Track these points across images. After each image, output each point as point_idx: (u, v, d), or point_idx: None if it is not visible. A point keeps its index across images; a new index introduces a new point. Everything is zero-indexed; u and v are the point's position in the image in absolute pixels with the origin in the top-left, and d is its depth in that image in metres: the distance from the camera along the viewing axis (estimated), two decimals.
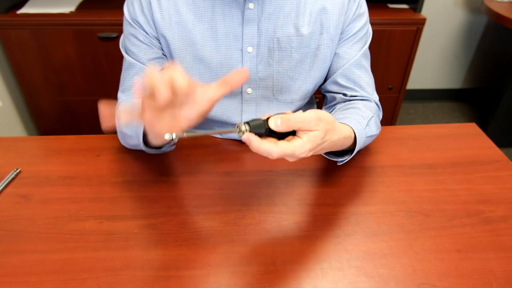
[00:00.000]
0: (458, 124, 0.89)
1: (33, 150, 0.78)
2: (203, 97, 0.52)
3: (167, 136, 0.43)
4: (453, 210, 0.65)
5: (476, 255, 0.57)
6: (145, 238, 0.59)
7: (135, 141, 0.67)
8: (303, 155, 0.50)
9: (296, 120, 0.48)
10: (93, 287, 0.52)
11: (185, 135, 0.45)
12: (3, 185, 0.68)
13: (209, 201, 0.66)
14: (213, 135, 0.84)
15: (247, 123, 0.48)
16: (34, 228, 0.61)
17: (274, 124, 0.48)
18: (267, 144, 0.48)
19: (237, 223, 0.62)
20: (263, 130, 0.49)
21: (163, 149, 0.71)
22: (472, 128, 0.87)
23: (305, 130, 0.50)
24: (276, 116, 0.49)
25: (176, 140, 0.70)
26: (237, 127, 0.48)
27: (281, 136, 0.51)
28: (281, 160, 0.75)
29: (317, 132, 0.50)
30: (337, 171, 0.73)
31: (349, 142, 0.62)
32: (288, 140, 0.50)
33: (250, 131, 0.48)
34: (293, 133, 0.52)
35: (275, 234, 0.60)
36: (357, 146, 0.65)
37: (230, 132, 0.49)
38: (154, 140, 0.63)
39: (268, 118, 0.49)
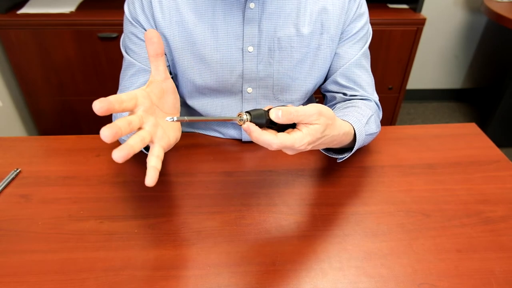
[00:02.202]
0: (458, 124, 0.89)
1: (33, 150, 0.78)
2: (157, 88, 0.52)
3: (168, 119, 0.44)
4: (453, 210, 0.65)
5: (476, 255, 0.57)
6: (145, 238, 0.59)
7: None
8: (302, 148, 0.51)
9: (297, 113, 0.49)
10: (93, 287, 0.52)
11: (186, 118, 0.45)
12: (3, 185, 0.68)
13: (209, 201, 0.66)
14: (213, 134, 0.84)
15: (248, 112, 0.48)
16: (34, 228, 0.61)
17: (275, 116, 0.48)
18: (267, 135, 0.48)
19: (237, 223, 0.62)
20: (264, 120, 0.49)
21: None
22: (472, 128, 0.87)
23: (305, 123, 0.50)
24: (277, 107, 0.49)
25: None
26: (238, 115, 0.48)
27: (280, 129, 0.51)
28: (281, 160, 0.76)
29: (317, 126, 0.50)
30: (337, 171, 0.73)
31: (348, 139, 0.63)
32: (287, 133, 0.50)
33: (251, 120, 0.48)
34: (292, 126, 0.52)
35: (275, 234, 0.60)
36: (356, 143, 0.65)
37: (231, 120, 0.49)
38: None
39: (269, 110, 0.49)
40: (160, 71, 0.52)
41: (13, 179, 0.70)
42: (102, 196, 0.67)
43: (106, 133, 0.39)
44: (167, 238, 0.59)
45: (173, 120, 0.44)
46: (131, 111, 0.46)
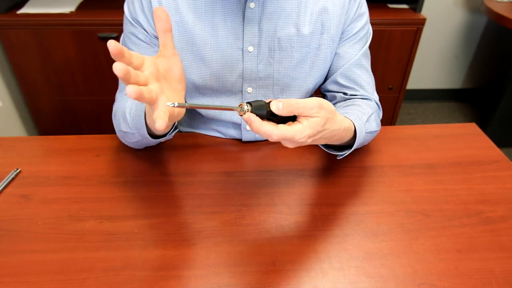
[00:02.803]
0: (458, 124, 0.89)
1: (33, 150, 0.78)
2: (164, 60, 0.53)
3: (169, 104, 0.44)
4: (453, 210, 0.65)
5: (476, 255, 0.57)
6: (145, 238, 0.59)
7: (137, 137, 0.68)
8: (302, 140, 0.51)
9: (298, 105, 0.49)
10: (93, 287, 0.52)
11: (186, 104, 0.46)
12: (3, 185, 0.68)
13: (209, 201, 0.66)
14: (213, 134, 0.84)
15: (249, 103, 0.48)
16: (34, 228, 0.61)
17: (276, 107, 0.49)
18: (268, 125, 0.48)
19: (237, 223, 0.62)
20: (265, 112, 0.49)
21: (166, 138, 0.71)
22: (472, 128, 0.87)
23: (306, 116, 0.50)
24: (278, 99, 0.49)
25: (172, 135, 0.70)
26: (240, 105, 0.48)
27: (280, 121, 0.51)
28: (281, 160, 0.76)
29: (318, 119, 0.51)
30: (337, 171, 0.73)
31: (349, 136, 0.63)
32: (288, 125, 0.51)
33: (252, 111, 0.48)
34: (292, 119, 0.52)
35: (275, 234, 0.60)
36: (357, 140, 0.65)
37: (232, 109, 0.49)
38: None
39: (270, 101, 0.49)
40: (168, 47, 0.53)
41: (13, 179, 0.70)
42: (102, 196, 0.67)
43: (119, 66, 0.42)
44: (167, 238, 0.59)
45: (174, 106, 0.44)
46: (137, 69, 0.48)
